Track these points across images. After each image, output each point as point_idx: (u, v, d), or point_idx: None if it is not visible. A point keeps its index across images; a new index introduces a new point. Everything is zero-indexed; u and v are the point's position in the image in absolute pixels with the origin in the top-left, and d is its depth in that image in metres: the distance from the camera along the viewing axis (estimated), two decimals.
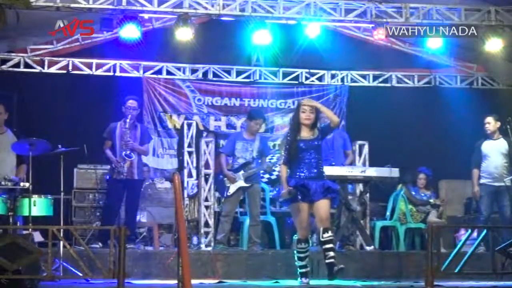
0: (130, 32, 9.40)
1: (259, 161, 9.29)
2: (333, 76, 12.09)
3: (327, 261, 6.91)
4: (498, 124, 9.32)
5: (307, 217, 6.99)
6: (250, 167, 9.17)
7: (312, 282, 7.03)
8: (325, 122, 7.32)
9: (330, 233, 6.94)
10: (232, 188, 9.11)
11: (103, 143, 9.04)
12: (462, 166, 9.84)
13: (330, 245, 6.93)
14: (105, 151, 9.00)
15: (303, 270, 7.08)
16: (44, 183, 8.51)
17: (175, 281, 5.46)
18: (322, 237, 6.91)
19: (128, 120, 8.89)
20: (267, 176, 10.19)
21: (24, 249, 5.80)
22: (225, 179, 9.17)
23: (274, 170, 10.25)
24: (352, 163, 9.62)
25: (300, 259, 7.06)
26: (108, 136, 9.01)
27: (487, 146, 9.37)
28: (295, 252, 7.14)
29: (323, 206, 6.94)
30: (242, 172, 9.13)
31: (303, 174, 6.93)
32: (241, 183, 9.12)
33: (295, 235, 7.77)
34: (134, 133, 8.99)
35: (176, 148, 11.51)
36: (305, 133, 7.01)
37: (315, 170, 6.96)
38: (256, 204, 9.20)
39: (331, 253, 6.90)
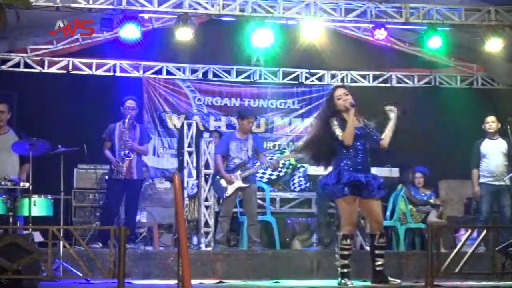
0: (130, 32, 9.40)
1: (255, 161, 9.27)
2: (333, 76, 12.09)
3: (377, 268, 6.67)
4: (499, 125, 9.33)
5: (356, 212, 6.59)
6: (247, 167, 9.14)
7: (313, 282, 7.00)
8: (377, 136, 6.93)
9: (385, 239, 6.67)
10: (230, 189, 9.09)
11: (103, 144, 9.05)
12: (462, 166, 9.83)
13: (383, 252, 6.67)
14: (104, 152, 9.00)
15: (345, 270, 6.52)
16: (44, 183, 8.51)
17: (175, 281, 5.46)
18: (378, 242, 6.62)
19: (127, 121, 8.88)
20: (267, 176, 10.16)
21: (24, 249, 5.80)
22: (221, 180, 9.14)
23: (282, 167, 10.22)
24: None
25: (343, 257, 6.52)
26: (107, 137, 9.01)
27: (487, 146, 9.36)
28: (336, 250, 6.63)
29: (378, 206, 6.66)
30: (239, 172, 9.11)
31: (354, 166, 6.53)
32: (239, 183, 9.09)
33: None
34: (133, 133, 8.99)
35: (176, 147, 11.52)
36: None
37: (365, 162, 6.64)
38: (253, 204, 9.17)
39: (382, 260, 6.65)
